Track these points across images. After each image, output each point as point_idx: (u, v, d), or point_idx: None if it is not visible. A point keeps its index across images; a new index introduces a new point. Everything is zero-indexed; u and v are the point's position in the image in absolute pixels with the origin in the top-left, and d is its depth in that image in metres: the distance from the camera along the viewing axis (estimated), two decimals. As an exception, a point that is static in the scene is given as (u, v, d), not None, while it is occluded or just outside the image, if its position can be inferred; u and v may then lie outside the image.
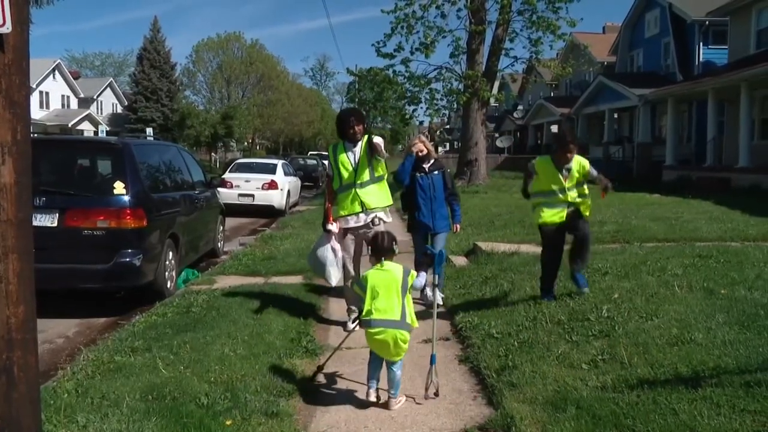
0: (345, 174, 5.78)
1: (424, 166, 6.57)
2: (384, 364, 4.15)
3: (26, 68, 2.17)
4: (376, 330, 4.01)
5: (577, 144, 6.05)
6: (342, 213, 5.80)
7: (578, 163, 6.04)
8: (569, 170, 6.01)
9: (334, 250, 5.79)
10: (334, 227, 5.81)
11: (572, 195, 6.02)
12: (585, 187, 6.17)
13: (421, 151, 6.45)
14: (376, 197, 5.83)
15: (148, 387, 4.13)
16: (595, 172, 6.07)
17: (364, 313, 4.13)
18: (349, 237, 5.89)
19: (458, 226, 6.91)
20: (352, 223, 5.81)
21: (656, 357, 4.42)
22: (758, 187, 17.07)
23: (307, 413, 4.02)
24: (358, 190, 5.74)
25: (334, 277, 5.85)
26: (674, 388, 3.84)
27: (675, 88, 24.19)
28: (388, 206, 5.95)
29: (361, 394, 4.25)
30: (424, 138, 6.77)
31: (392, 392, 4.13)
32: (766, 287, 6.11)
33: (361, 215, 5.76)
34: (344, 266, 5.90)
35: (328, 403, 4.17)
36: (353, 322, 5.79)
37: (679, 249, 8.35)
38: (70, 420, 3.65)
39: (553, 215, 6.06)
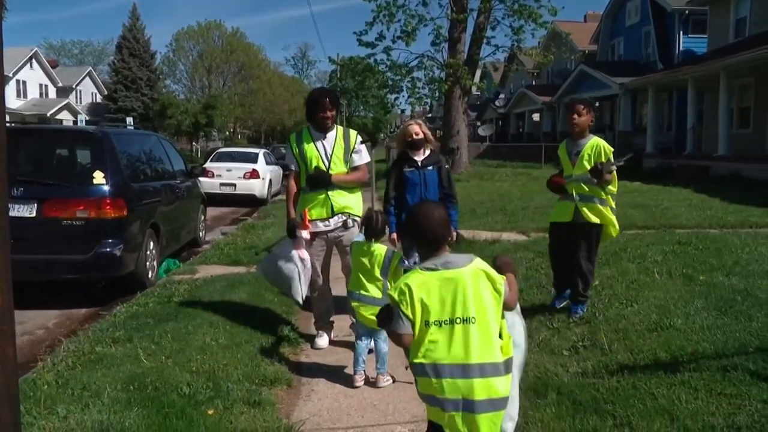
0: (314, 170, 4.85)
1: (416, 158, 5.30)
2: (372, 341, 4.24)
3: None
4: (357, 303, 4.23)
5: (587, 104, 5.00)
6: (309, 216, 4.88)
7: (592, 145, 4.91)
8: (578, 153, 4.97)
9: (302, 260, 4.76)
10: (306, 234, 4.79)
11: (576, 188, 4.97)
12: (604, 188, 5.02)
13: (417, 133, 5.24)
14: (349, 201, 4.96)
15: (130, 377, 4.11)
16: (614, 167, 4.88)
17: (350, 285, 4.35)
18: (319, 243, 4.99)
19: (455, 233, 5.49)
20: (322, 226, 4.91)
21: (636, 343, 4.48)
22: (737, 174, 17.26)
23: (289, 402, 4.02)
24: (329, 191, 4.84)
25: (302, 294, 4.86)
26: (653, 373, 3.91)
27: (655, 76, 24.36)
28: (358, 216, 5.00)
29: (344, 383, 4.26)
30: (421, 122, 5.53)
31: (380, 369, 4.21)
32: (744, 273, 6.20)
33: (332, 219, 4.90)
34: (312, 277, 4.93)
35: (310, 392, 4.17)
36: (321, 338, 5.09)
37: (659, 236, 8.44)
38: (51, 411, 3.62)
39: (558, 213, 5.23)
